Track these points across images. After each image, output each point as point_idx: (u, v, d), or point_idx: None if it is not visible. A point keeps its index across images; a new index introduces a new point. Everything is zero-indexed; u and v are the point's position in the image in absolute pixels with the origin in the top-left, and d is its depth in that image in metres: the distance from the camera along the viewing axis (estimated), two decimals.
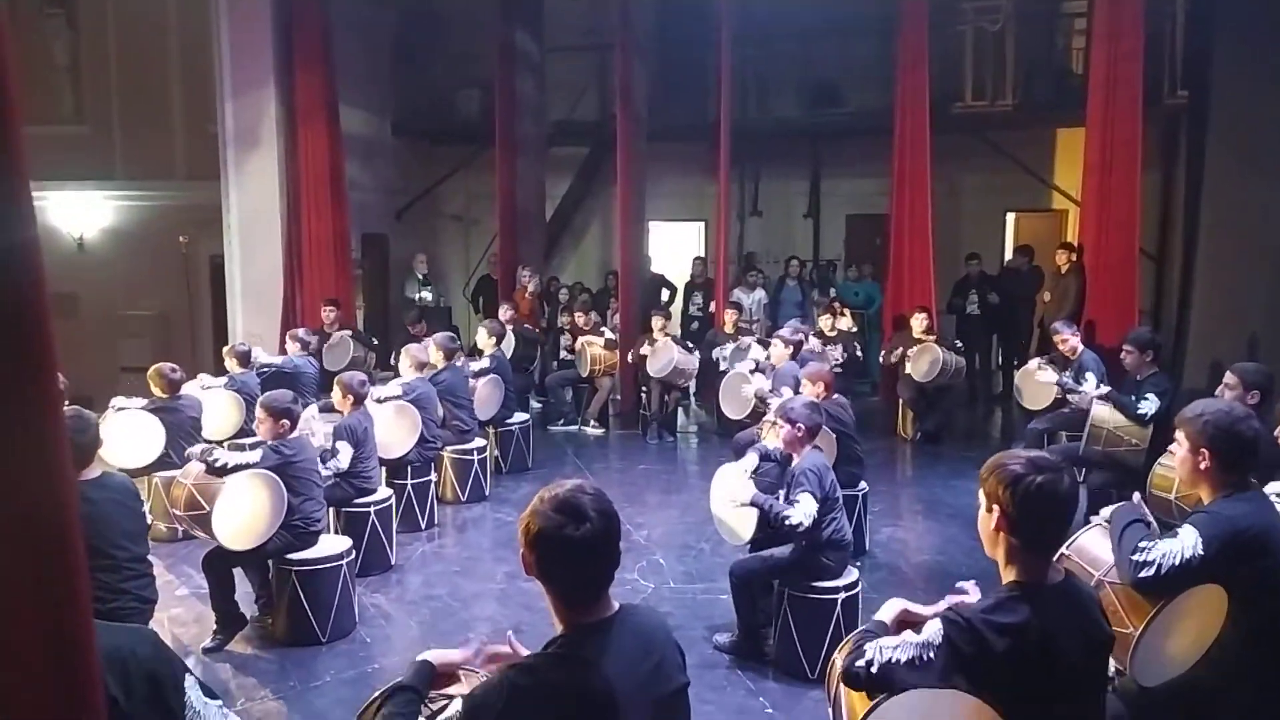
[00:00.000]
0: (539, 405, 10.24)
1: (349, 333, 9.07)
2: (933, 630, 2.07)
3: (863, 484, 5.95)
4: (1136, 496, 3.04)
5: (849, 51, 11.53)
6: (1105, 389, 6.08)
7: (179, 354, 10.47)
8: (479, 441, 7.29)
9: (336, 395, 5.84)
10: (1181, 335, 9.09)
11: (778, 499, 4.40)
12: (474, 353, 8.07)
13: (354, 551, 5.16)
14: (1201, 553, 2.58)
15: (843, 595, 4.38)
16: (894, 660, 2.08)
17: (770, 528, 4.36)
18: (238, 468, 4.72)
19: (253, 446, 4.93)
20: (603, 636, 1.91)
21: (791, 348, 7.17)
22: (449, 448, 7.07)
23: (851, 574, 4.53)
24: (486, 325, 8.25)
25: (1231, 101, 8.77)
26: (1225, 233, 8.76)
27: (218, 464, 4.72)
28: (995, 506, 2.09)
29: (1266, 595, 2.59)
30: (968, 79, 10.85)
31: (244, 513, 4.68)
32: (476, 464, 7.17)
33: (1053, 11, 11.32)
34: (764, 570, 4.46)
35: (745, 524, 4.44)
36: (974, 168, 11.64)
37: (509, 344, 9.05)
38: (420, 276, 11.54)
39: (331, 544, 5.07)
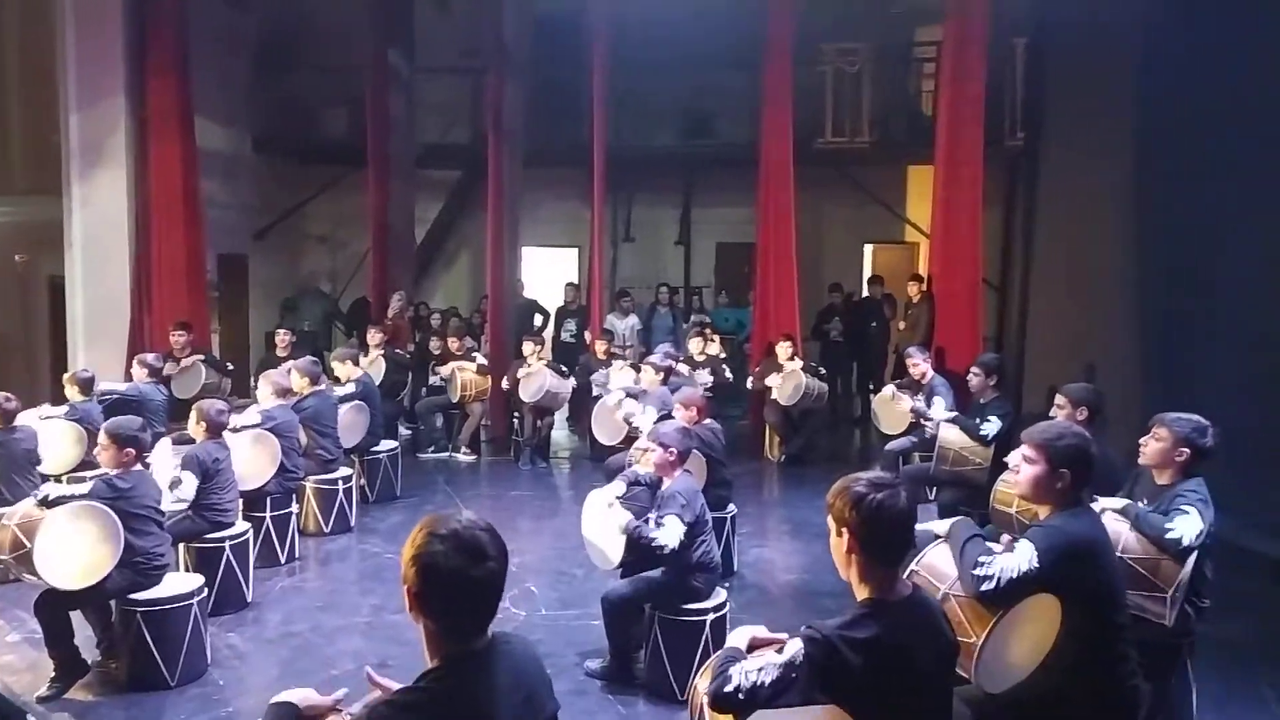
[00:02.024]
0: (408, 432, 10.02)
1: (201, 358, 8.61)
2: (794, 649, 2.15)
3: (731, 506, 6.07)
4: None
5: (721, 84, 11.88)
6: (953, 413, 6.44)
7: (15, 382, 9.66)
8: (344, 470, 7.05)
9: (192, 422, 5.54)
10: (1021, 361, 9.72)
11: (647, 522, 4.44)
12: (334, 380, 7.80)
13: (206, 589, 4.88)
14: (1037, 565, 2.75)
15: (711, 616, 4.46)
16: (760, 682, 2.15)
17: (640, 551, 4.40)
18: (61, 500, 4.38)
19: (93, 480, 4.60)
20: (476, 667, 1.88)
21: (662, 374, 7.28)
22: (311, 477, 6.80)
23: (720, 595, 4.61)
24: (340, 352, 7.98)
25: (1061, 146, 9.50)
26: (1057, 267, 9.44)
27: (43, 498, 4.38)
28: (844, 529, 2.21)
29: (1097, 603, 2.78)
30: (828, 117, 11.38)
31: (72, 550, 4.34)
32: (341, 494, 6.93)
33: (906, 56, 12.02)
34: (635, 595, 4.49)
35: (614, 547, 4.46)
36: (835, 200, 12.17)
37: (379, 369, 8.80)
38: (326, 293, 11.27)
39: (180, 582, 4.78)
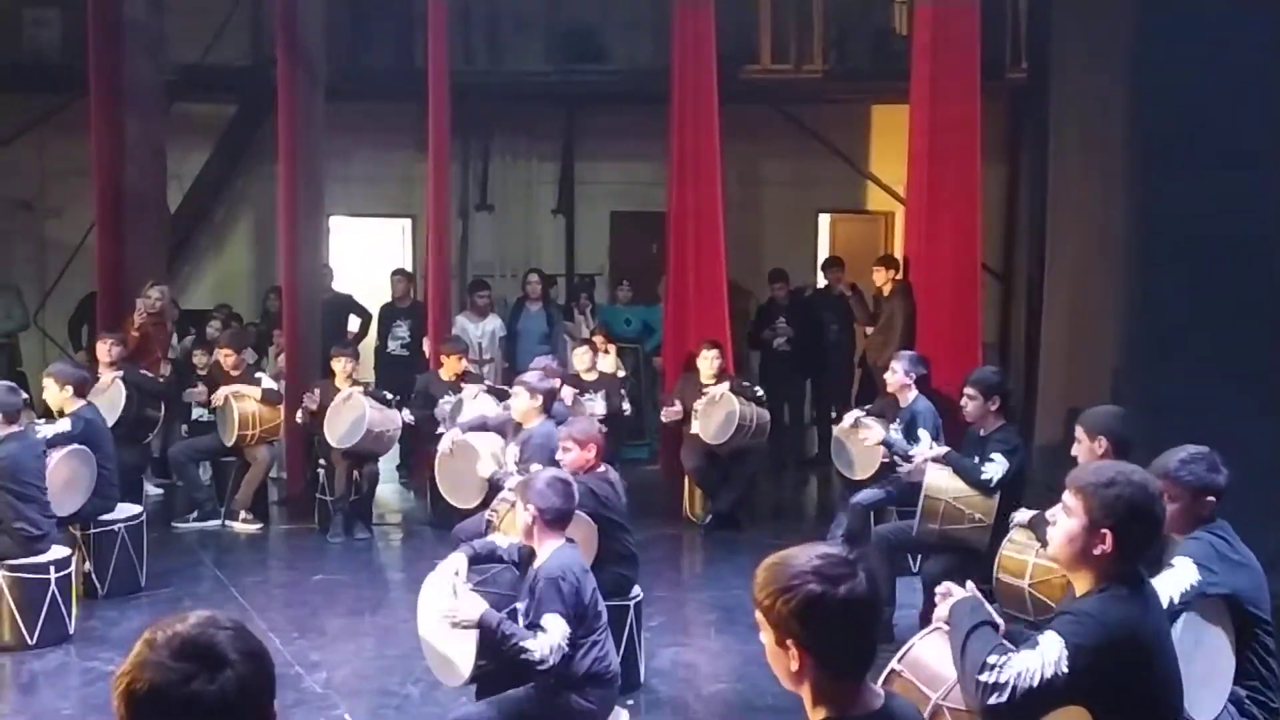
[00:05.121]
0: (159, 491, 9.72)
1: None
2: None
3: (636, 590, 6.07)
4: (971, 586, 3.28)
5: None
6: (943, 448, 6.59)
7: None
8: (58, 551, 6.80)
9: None
10: (1032, 375, 10.03)
11: (511, 617, 4.40)
12: (46, 414, 7.50)
13: None
14: (1066, 669, 2.80)
15: None
16: None
17: (502, 658, 4.35)
18: None
19: None
20: None
21: (541, 399, 7.13)
22: (6, 562, 6.54)
23: (620, 717, 4.58)
24: (57, 371, 7.66)
25: (1072, 75, 9.83)
26: (1074, 242, 9.76)
27: None
28: (786, 640, 2.21)
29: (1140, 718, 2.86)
30: (765, 35, 11.55)
31: None
32: (54, 586, 6.66)
33: None
34: None
35: (465, 653, 4.40)
36: (776, 152, 12.39)
37: (116, 400, 8.53)
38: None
39: None
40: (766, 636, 2.27)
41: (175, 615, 1.85)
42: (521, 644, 4.24)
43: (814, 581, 2.17)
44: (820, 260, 12.54)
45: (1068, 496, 3.01)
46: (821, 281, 11.84)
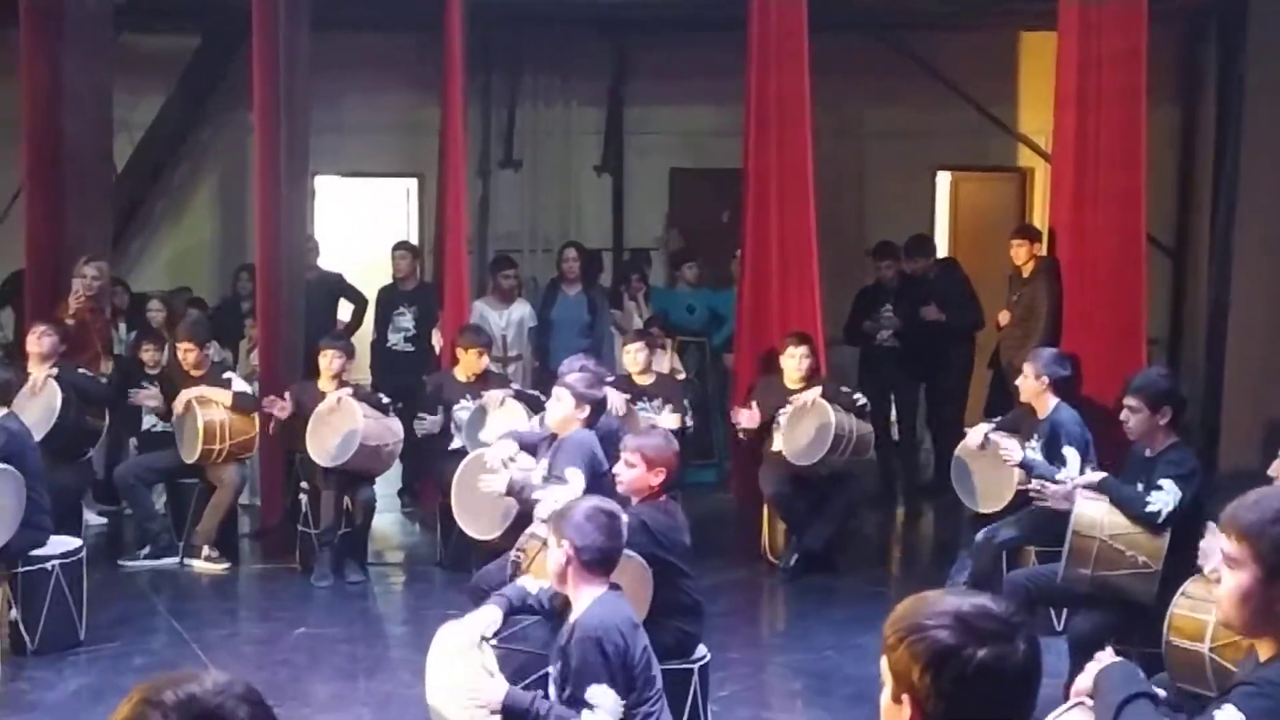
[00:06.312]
0: (103, 520, 9.80)
1: None
2: None
3: (701, 650, 6.07)
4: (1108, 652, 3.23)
5: None
6: (1098, 474, 6.52)
7: None
8: None
9: None
10: (1214, 380, 9.88)
11: (542, 683, 4.41)
12: None
13: None
14: None
15: None
16: None
17: None
18: None
19: None
20: None
21: (589, 408, 7.13)
22: None
23: None
24: None
25: None
26: (1270, 209, 9.60)
27: None
28: (905, 694, 2.20)
29: None
30: None
31: None
32: None
33: None
34: None
35: None
36: (883, 95, 12.31)
37: (50, 405, 8.63)
38: None
39: None
40: (886, 688, 2.25)
41: (180, 673, 1.87)
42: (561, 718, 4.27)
43: (951, 631, 2.14)
44: (940, 230, 12.48)
45: (1228, 544, 2.91)
46: (941, 253, 11.79)
